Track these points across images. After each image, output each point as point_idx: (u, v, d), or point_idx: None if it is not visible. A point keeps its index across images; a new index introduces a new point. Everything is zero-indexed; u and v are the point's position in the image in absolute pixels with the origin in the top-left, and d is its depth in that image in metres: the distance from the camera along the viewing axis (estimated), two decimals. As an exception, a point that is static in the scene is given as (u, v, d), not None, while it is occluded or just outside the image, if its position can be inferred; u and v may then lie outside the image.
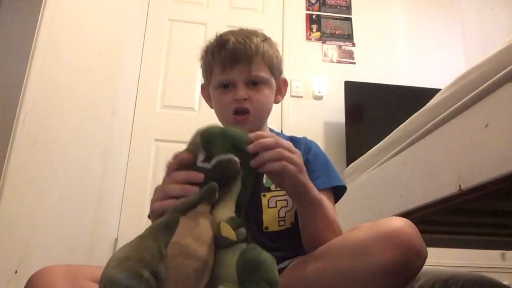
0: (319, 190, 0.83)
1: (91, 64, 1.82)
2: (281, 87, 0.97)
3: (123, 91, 2.37)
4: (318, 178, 0.86)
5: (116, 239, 2.23)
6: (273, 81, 0.91)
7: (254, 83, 0.87)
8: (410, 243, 0.57)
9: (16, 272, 1.22)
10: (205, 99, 0.98)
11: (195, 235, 0.54)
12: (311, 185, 0.69)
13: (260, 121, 0.92)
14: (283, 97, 0.99)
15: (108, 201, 2.16)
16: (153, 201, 0.65)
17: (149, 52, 2.67)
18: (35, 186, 1.39)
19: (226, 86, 0.87)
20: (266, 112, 0.92)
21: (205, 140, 0.62)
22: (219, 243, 0.58)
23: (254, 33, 0.90)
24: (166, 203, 0.61)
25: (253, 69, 0.86)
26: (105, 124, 2.06)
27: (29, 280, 0.64)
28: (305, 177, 0.67)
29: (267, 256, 0.57)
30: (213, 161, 0.60)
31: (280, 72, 0.95)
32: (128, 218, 2.26)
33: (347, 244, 0.63)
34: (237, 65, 0.85)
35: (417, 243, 0.58)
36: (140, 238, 0.52)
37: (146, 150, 2.46)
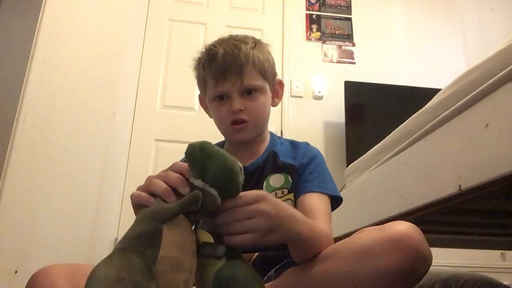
0: (311, 192, 0.85)
1: (91, 64, 1.82)
2: (278, 90, 0.96)
3: (123, 91, 2.37)
4: (311, 181, 0.87)
5: (116, 239, 2.23)
6: (268, 87, 0.91)
7: (249, 92, 0.87)
8: (417, 248, 0.57)
9: (16, 272, 1.22)
10: (203, 108, 0.98)
11: (180, 245, 0.53)
12: (295, 228, 0.64)
13: (259, 128, 0.92)
14: (280, 99, 0.98)
15: (108, 201, 2.16)
16: (138, 188, 0.64)
17: (149, 52, 2.67)
18: (35, 186, 1.39)
19: (221, 97, 0.87)
20: (264, 119, 0.92)
21: (199, 160, 0.59)
22: (202, 252, 0.57)
23: (243, 40, 0.89)
24: (143, 197, 0.59)
25: (245, 79, 0.85)
26: (105, 124, 2.06)
27: (30, 279, 0.64)
28: (282, 231, 0.62)
29: (243, 274, 0.55)
30: (194, 182, 0.58)
31: (275, 75, 0.94)
32: (128, 218, 2.23)
33: (353, 247, 0.63)
34: (229, 77, 0.84)
35: (424, 248, 0.58)
36: (125, 253, 0.50)
37: (146, 150, 2.46)
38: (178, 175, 0.60)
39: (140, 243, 0.52)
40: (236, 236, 0.58)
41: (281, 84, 0.97)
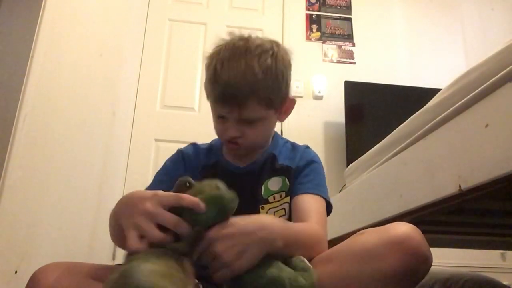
0: (305, 193, 0.85)
1: (91, 64, 1.82)
2: (288, 107, 0.91)
3: (123, 91, 2.37)
4: (306, 183, 0.87)
5: (116, 239, 2.23)
6: (272, 113, 0.85)
7: (248, 122, 0.82)
8: (418, 249, 0.58)
9: (16, 272, 1.22)
10: None
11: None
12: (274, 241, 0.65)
13: (255, 149, 0.90)
14: (288, 115, 0.93)
15: (108, 201, 2.16)
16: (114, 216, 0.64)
17: (149, 52, 2.67)
18: (35, 186, 1.39)
19: (221, 116, 0.84)
20: (262, 142, 0.90)
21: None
22: None
23: (254, 64, 0.78)
24: (139, 247, 0.57)
25: (244, 112, 0.79)
26: (105, 124, 2.06)
27: (31, 276, 0.64)
28: (264, 245, 0.63)
29: None
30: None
31: (286, 96, 0.88)
32: (128, 218, 2.26)
33: (355, 249, 0.63)
34: (227, 106, 0.80)
35: (424, 249, 0.59)
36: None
37: (146, 150, 2.46)
38: (170, 216, 0.58)
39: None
40: (216, 274, 0.60)
41: (292, 101, 0.91)
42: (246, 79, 0.78)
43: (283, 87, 0.85)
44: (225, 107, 0.80)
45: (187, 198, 0.59)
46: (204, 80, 0.90)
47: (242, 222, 0.63)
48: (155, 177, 0.94)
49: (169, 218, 0.58)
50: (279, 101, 0.86)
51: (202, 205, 0.59)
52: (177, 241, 0.58)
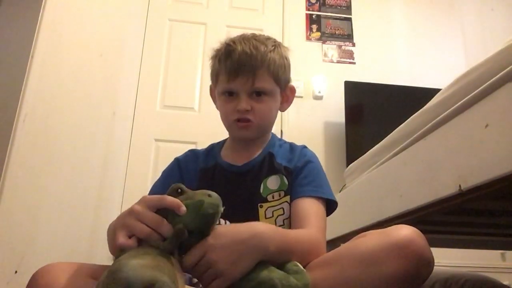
0: (304, 197, 0.85)
1: (91, 64, 1.82)
2: (288, 95, 0.98)
3: (123, 91, 2.37)
4: (305, 185, 0.87)
5: (116, 239, 2.23)
6: (278, 91, 0.92)
7: (258, 94, 0.88)
8: (421, 253, 0.58)
9: (16, 272, 1.23)
10: (213, 99, 1.00)
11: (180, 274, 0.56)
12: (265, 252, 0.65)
13: (263, 129, 0.93)
14: (289, 104, 0.99)
15: (108, 201, 2.16)
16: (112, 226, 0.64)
17: (149, 52, 2.67)
18: (35, 186, 1.39)
19: (230, 93, 0.89)
20: (268, 122, 0.94)
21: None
22: None
23: (263, 42, 0.90)
24: (128, 244, 0.58)
25: (257, 81, 0.86)
26: (105, 124, 2.07)
27: (32, 277, 0.64)
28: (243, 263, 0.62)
29: None
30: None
31: (288, 81, 0.96)
32: (128, 218, 2.26)
33: (357, 253, 0.62)
34: (241, 76, 0.86)
35: (427, 252, 0.58)
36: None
37: (146, 150, 2.46)
38: (154, 216, 0.60)
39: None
40: (211, 286, 0.61)
41: (292, 90, 0.99)
42: (259, 50, 0.87)
43: (287, 70, 0.94)
44: (239, 77, 0.86)
45: (169, 198, 0.60)
46: (206, 79, 0.93)
47: (235, 230, 0.64)
48: (151, 188, 0.96)
49: (153, 218, 0.60)
50: (284, 81, 0.94)
51: (183, 208, 0.59)
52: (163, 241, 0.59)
